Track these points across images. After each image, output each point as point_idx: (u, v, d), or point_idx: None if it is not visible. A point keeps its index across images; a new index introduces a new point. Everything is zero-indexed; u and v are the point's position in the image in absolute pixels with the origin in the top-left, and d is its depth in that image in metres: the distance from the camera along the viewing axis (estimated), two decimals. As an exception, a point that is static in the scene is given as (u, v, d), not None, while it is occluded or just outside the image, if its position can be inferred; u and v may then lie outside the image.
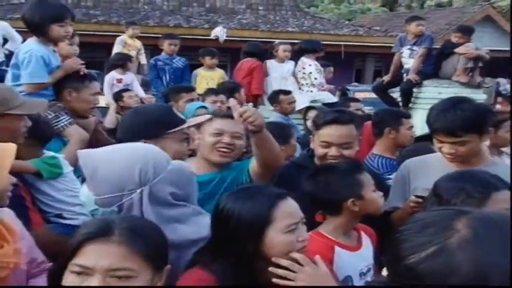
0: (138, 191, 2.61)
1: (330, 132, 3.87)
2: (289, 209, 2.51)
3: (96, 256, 1.93)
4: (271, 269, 2.41)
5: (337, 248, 3.08)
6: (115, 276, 1.92)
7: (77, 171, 3.86)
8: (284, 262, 2.41)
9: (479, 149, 3.72)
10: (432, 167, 3.65)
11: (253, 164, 3.67)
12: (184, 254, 2.57)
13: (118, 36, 12.36)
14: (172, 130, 3.39)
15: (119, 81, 9.23)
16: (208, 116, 3.78)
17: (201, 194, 3.26)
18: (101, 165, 2.63)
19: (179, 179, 2.75)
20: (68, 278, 1.96)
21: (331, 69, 11.86)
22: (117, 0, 21.88)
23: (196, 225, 2.75)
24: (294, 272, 2.42)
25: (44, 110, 4.05)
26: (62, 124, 4.57)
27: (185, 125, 3.47)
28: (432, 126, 3.63)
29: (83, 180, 2.91)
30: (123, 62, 9.49)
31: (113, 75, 9.35)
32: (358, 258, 3.10)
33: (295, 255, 2.44)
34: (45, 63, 4.80)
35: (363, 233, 3.31)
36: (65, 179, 3.94)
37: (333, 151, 3.82)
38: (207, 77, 10.27)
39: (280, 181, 3.64)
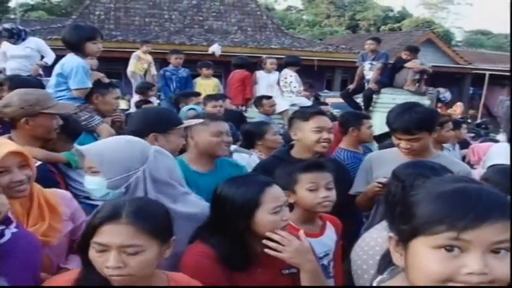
0: (141, 169, 2.58)
1: (320, 120, 3.90)
2: (275, 194, 2.49)
3: (110, 235, 1.93)
4: (264, 241, 2.41)
5: (300, 233, 3.00)
6: (127, 251, 1.92)
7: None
8: (276, 237, 2.42)
9: (428, 145, 3.75)
10: (390, 159, 3.61)
11: None
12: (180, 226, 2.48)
13: (133, 52, 12.40)
14: (178, 127, 3.33)
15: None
16: (200, 120, 3.67)
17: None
18: (106, 152, 2.57)
19: (167, 160, 2.77)
20: (92, 253, 1.95)
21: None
22: (133, 23, 21.82)
23: (188, 203, 2.77)
24: (282, 245, 2.43)
25: (71, 111, 4.03)
26: (96, 122, 4.65)
27: (185, 124, 3.41)
28: (392, 126, 3.66)
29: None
30: (143, 90, 9.75)
31: (137, 99, 9.66)
32: (318, 244, 2.99)
33: (282, 233, 2.44)
34: (87, 72, 4.89)
35: (328, 223, 3.21)
36: None
37: (325, 134, 3.84)
38: (204, 85, 10.29)
39: (261, 172, 3.64)
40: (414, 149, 3.63)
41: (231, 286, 2.43)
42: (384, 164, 3.70)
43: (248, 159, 4.66)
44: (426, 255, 1.36)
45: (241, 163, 4.12)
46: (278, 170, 3.23)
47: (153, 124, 3.31)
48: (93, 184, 2.59)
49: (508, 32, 57.83)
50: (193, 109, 5.85)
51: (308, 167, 3.13)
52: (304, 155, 3.86)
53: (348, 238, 3.14)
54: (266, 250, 2.41)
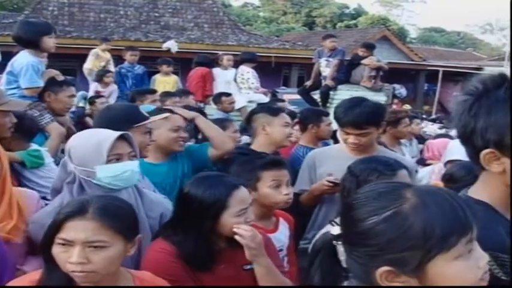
0: None
1: (285, 115, 4.01)
2: (241, 197, 2.50)
3: (75, 231, 1.92)
4: (236, 237, 2.44)
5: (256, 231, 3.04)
6: (92, 246, 1.91)
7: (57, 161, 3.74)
8: (244, 233, 2.44)
9: (374, 140, 3.78)
10: (334, 156, 3.69)
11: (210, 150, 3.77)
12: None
13: (88, 48, 12.25)
14: (138, 124, 3.27)
15: (98, 92, 9.37)
16: (167, 114, 3.66)
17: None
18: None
19: None
20: (56, 249, 1.94)
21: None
22: (88, 19, 21.49)
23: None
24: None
25: (23, 108, 3.96)
26: (46, 121, 4.54)
27: (148, 121, 3.35)
28: (341, 120, 3.64)
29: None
30: (99, 78, 9.82)
31: (95, 86, 9.76)
32: (273, 239, 2.99)
33: (246, 227, 2.47)
34: (38, 71, 4.80)
35: (281, 219, 3.25)
36: (46, 168, 3.86)
37: (292, 130, 4.01)
38: (164, 82, 10.28)
39: (223, 166, 3.69)
40: (362, 144, 3.62)
41: (196, 286, 2.43)
42: (327, 160, 3.75)
43: None
44: (455, 270, 1.37)
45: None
46: (236, 166, 3.24)
47: (118, 121, 3.24)
48: (136, 167, 2.61)
49: (460, 29, 59.03)
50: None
51: (269, 164, 3.14)
52: (267, 149, 3.87)
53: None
54: (236, 237, 2.44)
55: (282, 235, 3.19)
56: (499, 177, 1.67)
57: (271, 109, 4.15)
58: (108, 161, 2.51)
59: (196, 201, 2.47)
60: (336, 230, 1.56)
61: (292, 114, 4.23)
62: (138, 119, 3.28)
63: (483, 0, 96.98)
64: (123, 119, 3.20)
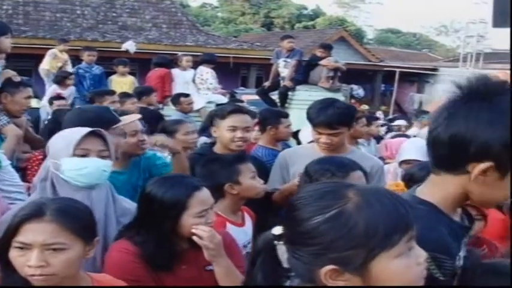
0: None
1: (235, 119, 3.93)
2: (202, 198, 2.52)
3: (32, 234, 1.90)
4: (194, 238, 2.46)
5: (228, 224, 3.11)
6: (50, 249, 1.89)
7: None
8: (202, 233, 2.45)
9: (345, 140, 3.86)
10: (305, 155, 3.68)
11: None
12: None
13: (44, 48, 12.13)
14: (115, 126, 3.27)
15: (58, 94, 9.22)
16: (138, 116, 3.66)
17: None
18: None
19: None
20: (13, 253, 1.92)
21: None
22: (44, 18, 21.13)
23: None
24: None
25: None
26: (2, 123, 4.47)
27: (122, 123, 3.34)
28: (314, 120, 3.71)
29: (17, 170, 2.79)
30: (60, 79, 9.78)
31: (54, 88, 9.69)
32: (242, 233, 3.14)
33: (206, 228, 2.47)
34: None
35: (246, 213, 3.34)
36: (3, 171, 3.77)
37: (238, 134, 3.87)
38: (120, 83, 10.26)
39: None
40: (333, 144, 3.70)
41: (156, 286, 2.44)
42: (299, 159, 3.77)
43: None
44: (397, 267, 1.39)
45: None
46: (210, 165, 3.28)
47: (89, 124, 3.24)
48: (104, 166, 2.60)
49: (416, 31, 59.93)
50: (115, 110, 5.77)
51: (244, 158, 3.32)
52: (224, 152, 3.89)
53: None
54: (194, 238, 2.45)
55: (249, 228, 3.30)
56: (459, 182, 1.67)
57: (220, 111, 4.15)
58: (75, 155, 2.51)
59: (157, 201, 2.49)
60: (277, 229, 1.56)
61: (252, 115, 4.23)
62: (112, 121, 3.27)
63: (438, 2, 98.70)
64: (97, 120, 3.17)
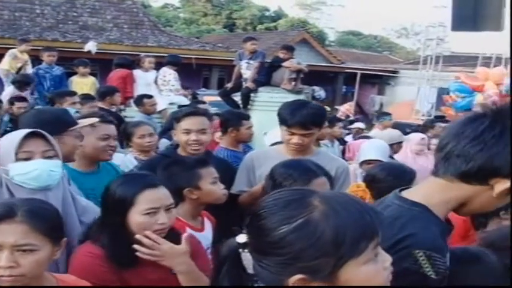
0: None
1: (189, 122, 3.91)
2: (152, 196, 2.49)
3: (3, 234, 1.91)
4: (135, 246, 2.41)
5: (188, 229, 3.05)
6: (21, 250, 1.90)
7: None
8: (145, 241, 2.42)
9: (313, 142, 3.92)
10: (272, 157, 3.70)
11: None
12: None
13: (2, 48, 12.07)
14: (72, 128, 3.21)
15: (19, 94, 9.12)
16: (96, 119, 3.61)
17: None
18: None
19: None
20: None
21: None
22: (2, 17, 20.76)
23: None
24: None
25: None
26: None
27: (79, 125, 3.29)
28: (288, 121, 3.71)
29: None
30: (20, 84, 9.54)
31: (11, 90, 9.52)
32: (202, 238, 3.08)
33: (152, 235, 2.44)
34: None
35: (205, 218, 3.31)
36: None
37: (193, 136, 3.85)
38: (81, 84, 10.16)
39: (146, 170, 3.56)
40: (304, 145, 3.72)
41: (121, 286, 2.43)
42: (265, 161, 3.77)
43: (123, 159, 4.59)
44: (365, 274, 1.41)
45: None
46: (171, 168, 3.24)
47: (47, 125, 3.18)
48: (52, 166, 2.55)
49: (377, 33, 60.55)
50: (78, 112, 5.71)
51: (205, 162, 3.25)
52: (186, 154, 3.89)
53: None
54: (138, 254, 2.42)
55: (208, 233, 3.27)
56: (471, 191, 1.73)
57: (176, 114, 4.19)
58: (18, 159, 2.48)
59: (110, 197, 2.51)
60: (241, 238, 1.54)
61: (209, 116, 4.22)
62: (69, 123, 3.22)
63: (399, 5, 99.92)
64: (55, 122, 3.14)
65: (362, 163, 5.23)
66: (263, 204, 1.49)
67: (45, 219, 1.99)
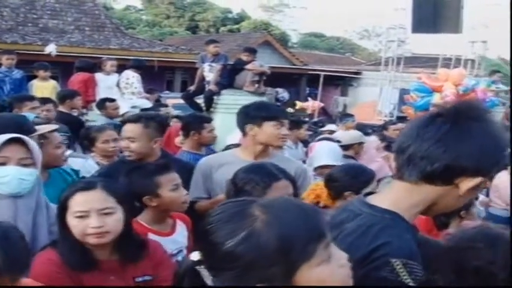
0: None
1: (124, 128, 4.00)
2: (81, 199, 2.46)
3: None
4: None
5: (149, 234, 3.02)
6: None
7: None
8: None
9: None
10: (229, 162, 3.71)
11: None
12: None
13: None
14: (31, 135, 3.14)
15: None
16: (55, 126, 3.60)
17: None
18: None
19: None
20: None
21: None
22: (-42, 19, 20.44)
23: None
24: None
25: None
26: None
27: (38, 132, 3.26)
28: (276, 112, 3.85)
29: None
30: None
31: None
32: (170, 242, 3.07)
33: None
34: None
35: (178, 220, 3.28)
36: None
37: (122, 143, 3.96)
38: (41, 87, 9.99)
39: (105, 176, 3.63)
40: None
41: (77, 286, 2.42)
42: (222, 166, 3.78)
43: (84, 164, 4.55)
44: (321, 275, 1.42)
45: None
46: (129, 175, 3.22)
47: (3, 132, 3.15)
48: (25, 174, 2.54)
49: (339, 35, 61.00)
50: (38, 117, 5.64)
51: (164, 169, 3.19)
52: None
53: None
54: None
55: (180, 236, 3.24)
56: (436, 192, 1.74)
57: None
58: None
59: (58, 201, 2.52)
60: (195, 255, 1.54)
61: (160, 119, 4.22)
62: (28, 130, 3.19)
63: (360, 7, 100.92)
64: (14, 129, 3.10)
65: (316, 168, 5.22)
66: (209, 219, 1.49)
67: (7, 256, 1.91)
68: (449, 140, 1.68)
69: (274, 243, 1.37)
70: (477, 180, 1.68)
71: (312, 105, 22.13)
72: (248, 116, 3.82)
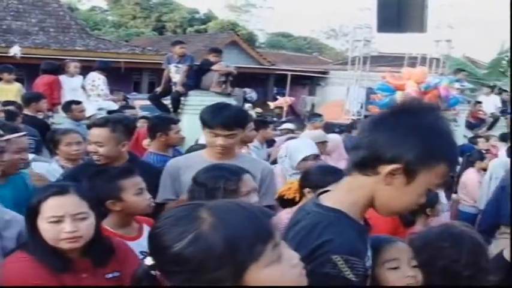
0: None
1: (91, 132, 3.97)
2: (56, 204, 2.46)
3: None
4: None
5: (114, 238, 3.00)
6: None
7: None
8: None
9: (236, 145, 3.91)
10: (196, 163, 3.68)
11: None
12: None
13: None
14: None
15: None
16: (18, 134, 3.57)
17: None
18: None
19: None
20: None
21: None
22: None
23: None
24: None
25: None
26: None
27: (3, 138, 3.22)
28: (211, 122, 3.71)
29: None
30: None
31: None
32: (137, 246, 3.01)
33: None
34: None
35: (145, 225, 3.24)
36: None
37: (89, 147, 3.92)
38: (6, 90, 9.82)
39: (69, 179, 3.61)
40: (229, 147, 3.72)
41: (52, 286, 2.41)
42: (190, 167, 3.76)
43: (48, 168, 4.51)
44: (271, 275, 1.43)
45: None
46: (93, 179, 3.20)
47: None
48: None
49: (307, 34, 61.26)
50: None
51: (128, 172, 3.18)
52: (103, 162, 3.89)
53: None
54: None
55: (146, 241, 3.19)
56: (369, 183, 1.79)
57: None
58: None
59: (27, 206, 2.53)
60: (148, 260, 1.56)
61: (127, 122, 4.22)
62: None
63: (327, 7, 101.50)
64: None
65: (299, 163, 5.24)
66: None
67: None
68: (376, 130, 1.78)
69: (221, 245, 1.39)
70: (393, 166, 1.73)
71: (284, 100, 22.24)
72: (200, 119, 3.88)
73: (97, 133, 3.92)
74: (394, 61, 22.54)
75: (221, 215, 1.45)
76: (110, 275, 2.57)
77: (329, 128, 10.43)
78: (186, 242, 1.41)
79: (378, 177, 1.76)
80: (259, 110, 19.71)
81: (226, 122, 3.66)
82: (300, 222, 1.84)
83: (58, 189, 2.52)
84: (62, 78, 10.18)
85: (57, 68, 10.48)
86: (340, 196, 1.84)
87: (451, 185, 6.69)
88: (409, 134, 1.73)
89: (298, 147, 5.38)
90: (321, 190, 1.95)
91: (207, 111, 3.79)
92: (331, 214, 1.79)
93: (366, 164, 1.77)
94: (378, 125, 1.81)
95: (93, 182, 3.15)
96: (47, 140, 5.39)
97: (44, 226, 2.43)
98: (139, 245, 3.06)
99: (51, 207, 2.44)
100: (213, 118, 3.70)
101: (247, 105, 15.83)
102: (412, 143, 1.72)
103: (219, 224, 1.42)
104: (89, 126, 3.98)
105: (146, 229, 3.22)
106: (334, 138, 7.44)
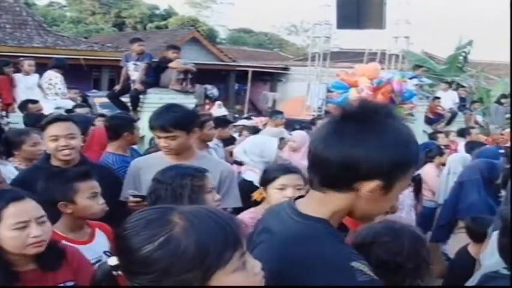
0: None
1: (55, 128, 3.84)
2: (19, 209, 2.43)
3: None
4: None
5: (64, 243, 2.93)
6: None
7: None
8: None
9: (189, 145, 3.91)
10: (157, 163, 3.70)
11: None
12: None
13: None
14: None
15: None
16: None
17: None
18: None
19: None
20: None
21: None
22: None
23: None
24: None
25: None
26: None
27: None
28: (151, 124, 3.84)
29: None
30: None
31: None
32: (88, 250, 3.01)
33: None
34: None
35: (97, 230, 3.23)
36: None
37: (62, 142, 3.77)
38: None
39: (20, 183, 3.64)
40: (172, 148, 3.78)
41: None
42: (151, 167, 3.76)
43: (4, 170, 4.45)
44: (236, 282, 1.46)
45: None
46: (47, 181, 3.17)
47: None
48: None
49: (268, 30, 61.35)
50: None
51: (84, 176, 3.15)
52: (58, 163, 3.83)
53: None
54: None
55: (98, 246, 3.17)
56: (345, 198, 1.70)
57: (41, 123, 4.11)
58: None
59: None
60: (112, 260, 1.57)
61: (83, 121, 4.20)
62: None
63: (288, 2, 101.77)
64: None
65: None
66: (126, 225, 1.52)
67: None
68: (341, 144, 1.66)
69: (192, 249, 1.41)
70: (372, 184, 1.66)
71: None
72: None
73: (67, 126, 3.88)
74: (355, 57, 22.69)
75: (193, 220, 1.46)
76: (62, 284, 2.55)
77: (290, 124, 10.48)
78: (156, 244, 1.43)
79: (356, 193, 1.68)
80: (223, 109, 19.67)
81: (163, 124, 3.74)
82: (275, 228, 1.79)
83: (15, 195, 2.49)
84: (17, 76, 10.03)
85: (4, 65, 10.24)
86: (317, 207, 1.74)
87: (419, 184, 6.79)
88: (381, 147, 1.63)
89: (264, 141, 5.49)
90: (296, 197, 1.89)
91: (154, 112, 3.90)
92: (318, 225, 1.70)
93: (339, 182, 1.68)
94: (343, 138, 1.66)
95: (49, 182, 3.13)
96: (2, 141, 5.28)
97: (7, 234, 2.39)
98: (91, 249, 3.07)
99: (14, 213, 2.40)
100: (153, 120, 3.82)
101: (217, 103, 15.80)
102: (387, 156, 1.63)
103: (190, 228, 1.44)
104: (48, 123, 3.88)
105: (99, 234, 3.22)
106: (301, 135, 7.42)
